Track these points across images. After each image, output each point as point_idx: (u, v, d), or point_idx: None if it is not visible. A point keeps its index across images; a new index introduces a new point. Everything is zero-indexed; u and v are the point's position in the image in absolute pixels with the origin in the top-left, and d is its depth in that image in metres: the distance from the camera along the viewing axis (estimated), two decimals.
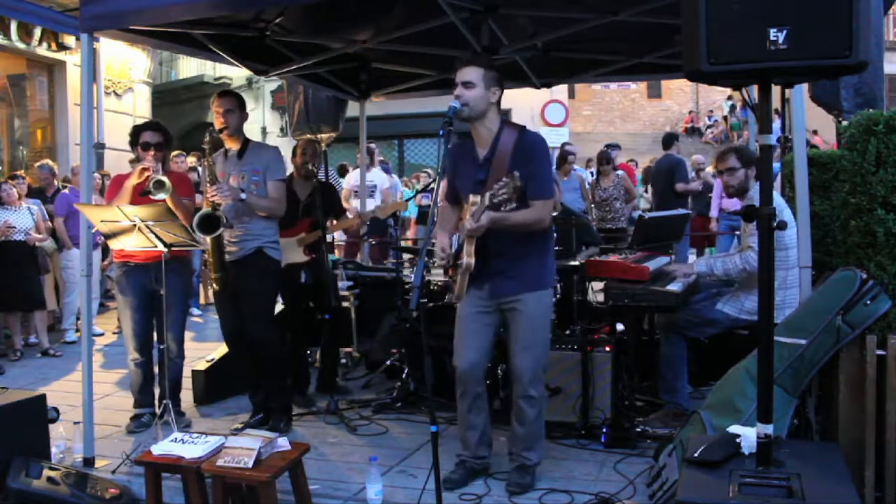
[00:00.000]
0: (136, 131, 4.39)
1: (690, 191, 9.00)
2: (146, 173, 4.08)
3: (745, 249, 3.80)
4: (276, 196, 4.17)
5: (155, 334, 4.52)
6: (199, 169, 8.67)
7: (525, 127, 3.32)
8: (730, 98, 24.30)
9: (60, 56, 10.59)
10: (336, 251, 8.55)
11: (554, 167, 8.38)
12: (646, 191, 11.52)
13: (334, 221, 5.02)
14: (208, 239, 3.96)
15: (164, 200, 3.99)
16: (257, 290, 4.13)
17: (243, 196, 4.00)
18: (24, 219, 6.60)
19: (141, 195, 4.10)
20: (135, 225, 3.83)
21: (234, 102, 4.17)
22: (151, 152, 4.25)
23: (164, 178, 4.01)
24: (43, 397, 3.57)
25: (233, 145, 4.21)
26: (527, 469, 3.34)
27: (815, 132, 13.30)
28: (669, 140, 9.20)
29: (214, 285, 4.11)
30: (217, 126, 4.13)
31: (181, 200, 4.20)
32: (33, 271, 6.75)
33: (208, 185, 4.00)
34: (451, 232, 3.47)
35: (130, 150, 4.43)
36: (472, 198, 3.16)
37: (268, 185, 4.15)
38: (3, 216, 6.45)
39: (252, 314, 4.12)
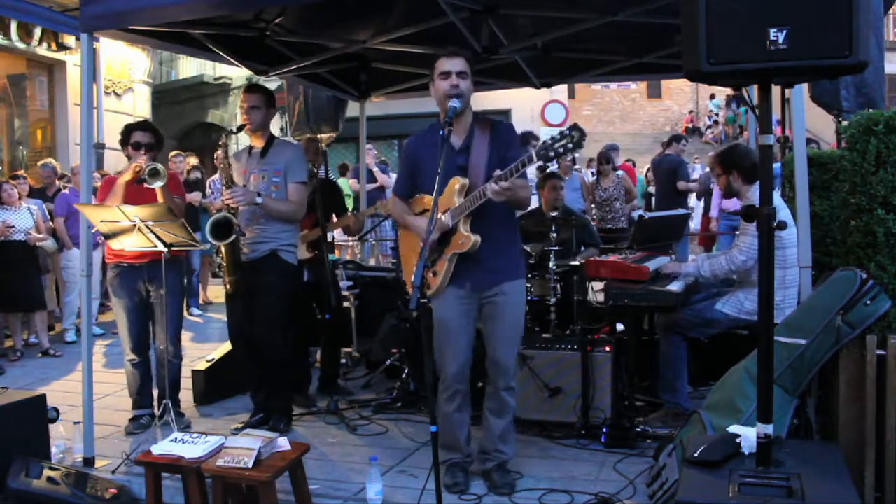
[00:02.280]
0: (128, 130, 4.37)
1: (690, 189, 9.02)
2: (138, 169, 4.06)
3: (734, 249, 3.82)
4: (296, 199, 4.10)
5: (152, 334, 4.51)
6: (201, 172, 8.73)
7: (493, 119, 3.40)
8: (713, 97, 24.52)
9: (60, 56, 10.59)
10: (336, 251, 8.54)
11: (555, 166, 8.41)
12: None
13: (334, 219, 5.01)
14: (222, 245, 3.94)
15: (159, 190, 4.01)
16: (269, 293, 4.07)
17: (259, 200, 3.95)
18: (23, 219, 6.61)
19: (136, 183, 4.10)
20: (135, 225, 3.83)
21: (261, 99, 4.08)
22: (142, 152, 4.24)
23: (159, 166, 4.01)
24: (43, 397, 3.57)
25: (257, 142, 4.15)
26: (506, 465, 3.37)
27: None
28: (670, 140, 9.22)
29: (228, 288, 4.07)
30: (242, 121, 4.10)
31: (173, 198, 4.18)
32: (34, 271, 6.76)
33: (224, 188, 3.98)
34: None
35: (121, 149, 4.40)
36: (460, 180, 3.18)
37: (288, 186, 4.08)
38: (2, 216, 6.46)
39: (261, 316, 4.07)
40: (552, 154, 2.89)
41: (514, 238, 3.40)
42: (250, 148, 4.21)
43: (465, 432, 3.42)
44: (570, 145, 2.86)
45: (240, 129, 4.10)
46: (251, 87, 4.19)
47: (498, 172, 3.02)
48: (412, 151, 3.45)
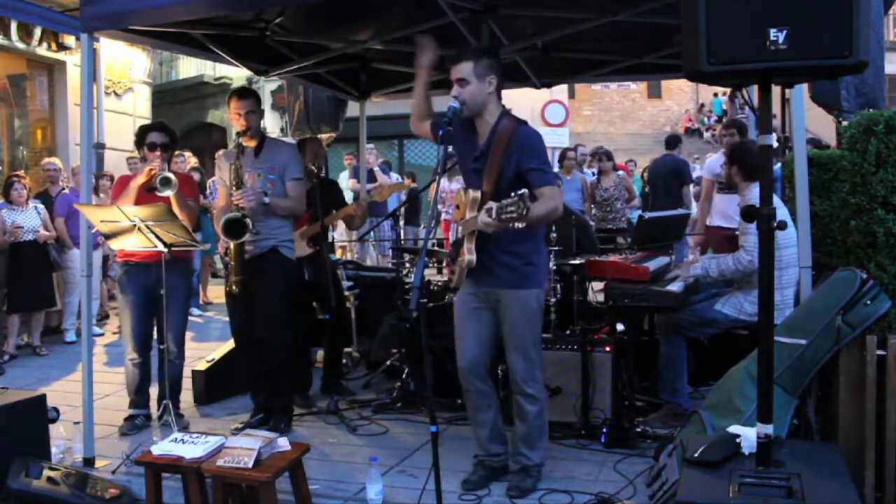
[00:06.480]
0: (143, 132, 4.39)
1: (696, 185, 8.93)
2: (153, 173, 4.09)
3: (739, 249, 3.82)
4: (296, 195, 4.16)
5: (155, 335, 4.51)
6: (201, 172, 8.73)
7: (523, 122, 3.26)
8: (702, 107, 24.98)
9: (60, 56, 10.57)
10: (338, 251, 8.55)
11: (557, 167, 8.42)
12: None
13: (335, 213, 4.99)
14: (232, 244, 3.96)
15: (168, 198, 4.03)
16: (269, 289, 4.10)
17: (266, 199, 3.99)
18: (31, 218, 6.64)
19: (147, 191, 4.12)
20: (135, 225, 3.83)
21: (255, 103, 4.15)
22: (158, 152, 4.26)
23: (171, 175, 4.05)
24: (43, 397, 3.57)
25: (249, 143, 4.19)
26: (528, 471, 3.30)
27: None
28: (674, 141, 9.15)
29: (234, 288, 4.08)
30: (238, 128, 4.13)
31: (186, 201, 4.23)
32: (46, 270, 6.82)
33: (234, 188, 4.00)
34: (456, 222, 3.40)
35: (136, 151, 4.44)
36: (471, 193, 3.16)
37: (286, 184, 4.13)
38: (11, 217, 6.49)
39: (262, 312, 4.10)
40: (503, 217, 2.81)
41: (525, 248, 3.22)
42: (243, 148, 4.22)
43: (487, 431, 3.38)
44: (516, 215, 2.77)
45: (241, 134, 4.10)
46: (244, 93, 4.21)
47: (490, 205, 2.89)
48: (453, 142, 3.33)
